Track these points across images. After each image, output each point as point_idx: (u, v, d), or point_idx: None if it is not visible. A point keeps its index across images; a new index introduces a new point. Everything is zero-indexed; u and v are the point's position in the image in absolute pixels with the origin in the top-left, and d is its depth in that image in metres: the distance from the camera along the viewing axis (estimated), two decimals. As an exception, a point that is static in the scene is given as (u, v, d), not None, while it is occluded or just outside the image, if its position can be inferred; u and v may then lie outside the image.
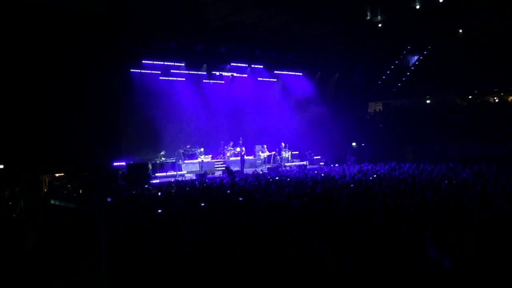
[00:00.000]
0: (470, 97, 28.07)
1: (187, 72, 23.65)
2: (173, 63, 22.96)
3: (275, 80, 27.64)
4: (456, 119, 24.18)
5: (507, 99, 26.21)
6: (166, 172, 20.19)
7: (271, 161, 24.36)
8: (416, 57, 31.08)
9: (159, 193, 12.96)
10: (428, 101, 28.97)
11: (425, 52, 30.52)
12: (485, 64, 24.98)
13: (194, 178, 18.95)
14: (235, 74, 25.51)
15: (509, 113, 23.06)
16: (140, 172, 18.08)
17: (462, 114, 24.96)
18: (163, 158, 21.12)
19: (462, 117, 24.46)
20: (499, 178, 12.93)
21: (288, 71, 27.76)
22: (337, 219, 8.30)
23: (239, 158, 22.95)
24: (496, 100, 27.21)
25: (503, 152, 19.79)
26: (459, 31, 28.62)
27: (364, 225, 7.66)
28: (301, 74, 28.48)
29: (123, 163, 19.38)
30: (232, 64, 25.00)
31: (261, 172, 20.34)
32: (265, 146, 24.71)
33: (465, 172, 15.14)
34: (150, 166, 19.71)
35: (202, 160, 21.97)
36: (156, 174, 19.73)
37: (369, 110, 31.42)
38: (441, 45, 29.13)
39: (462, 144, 21.59)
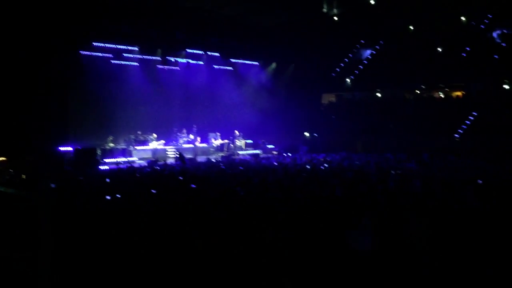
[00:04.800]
0: (418, 91, 29.17)
1: (141, 56, 23.04)
2: (126, 47, 22.29)
3: (231, 68, 27.48)
4: (404, 113, 25.12)
5: (452, 95, 27.50)
6: (116, 158, 19.65)
7: (225, 149, 24.29)
8: (369, 51, 31.86)
9: (107, 179, 12.59)
10: (378, 94, 29.84)
11: (377, 47, 31.35)
12: (433, 60, 26.00)
13: (145, 164, 18.57)
14: (190, 61, 25.14)
15: (453, 108, 24.23)
16: (88, 158, 17.52)
17: (409, 107, 25.95)
18: (111, 144, 20.57)
19: (409, 111, 25.42)
20: (443, 169, 13.58)
21: (244, 60, 27.69)
22: (288, 207, 8.40)
23: (192, 145, 22.73)
24: (442, 96, 28.46)
25: (446, 144, 20.77)
26: (410, 28, 29.59)
27: (314, 213, 7.80)
28: (257, 63, 28.50)
29: (70, 148, 18.69)
30: (187, 50, 24.61)
31: (214, 160, 20.25)
32: (218, 134, 24.61)
33: (411, 162, 15.76)
34: (99, 152, 19.13)
35: (155, 147, 21.61)
36: (105, 160, 19.17)
37: (322, 102, 31.96)
38: (393, 41, 30.02)
39: (409, 137, 22.43)
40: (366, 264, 5.51)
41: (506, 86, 24.41)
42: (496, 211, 7.55)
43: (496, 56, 24.03)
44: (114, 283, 5.46)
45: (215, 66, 26.36)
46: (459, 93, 27.15)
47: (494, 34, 26.00)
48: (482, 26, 26.50)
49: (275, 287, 5.16)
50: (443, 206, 8.03)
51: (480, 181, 10.61)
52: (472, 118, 22.52)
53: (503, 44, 24.72)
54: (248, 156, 23.09)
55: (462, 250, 5.90)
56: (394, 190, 9.83)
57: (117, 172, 15.07)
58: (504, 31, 25.45)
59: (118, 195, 9.69)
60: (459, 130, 22.16)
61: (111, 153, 19.98)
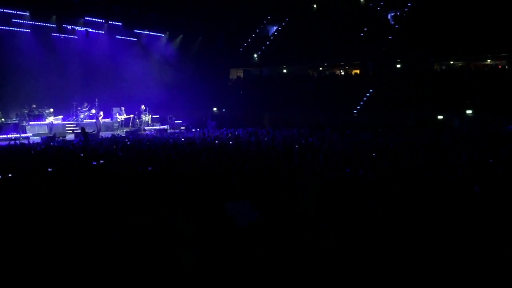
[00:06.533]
0: (320, 69, 30.46)
1: (33, 23, 21.08)
2: (15, 11, 20.24)
3: (135, 39, 26.27)
4: (307, 89, 26.10)
5: (351, 73, 29.16)
6: (6, 135, 17.98)
7: (130, 124, 23.40)
8: (275, 28, 32.38)
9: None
10: (284, 71, 30.61)
11: (283, 24, 31.96)
12: (334, 39, 27.20)
13: (40, 141, 17.24)
14: (90, 30, 23.52)
15: (352, 85, 25.71)
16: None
17: (312, 84, 27.03)
18: (1, 119, 18.82)
19: (311, 86, 26.46)
20: (342, 143, 14.43)
21: (149, 31, 26.59)
22: (198, 183, 8.38)
23: (94, 120, 21.55)
24: (342, 73, 30.06)
25: (346, 119, 22.03)
26: (313, 6, 30.55)
27: (223, 188, 7.87)
28: (163, 35, 27.56)
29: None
30: (86, 18, 22.97)
31: (118, 136, 19.44)
32: (123, 108, 23.60)
33: (312, 137, 16.49)
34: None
35: (52, 122, 20.14)
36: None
37: (231, 77, 32.01)
38: (298, 18, 30.82)
39: (312, 112, 23.41)
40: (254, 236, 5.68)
41: (399, 65, 26.49)
42: (385, 180, 8.24)
43: (390, 37, 25.80)
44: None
45: (118, 36, 24.99)
46: (357, 71, 28.84)
47: (389, 16, 27.90)
48: (378, 8, 28.23)
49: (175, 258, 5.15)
50: (339, 176, 8.57)
51: (374, 154, 11.48)
52: (368, 95, 24.10)
53: (396, 26, 26.62)
54: (154, 132, 22.51)
55: (351, 215, 6.35)
56: (297, 164, 10.27)
57: (9, 149, 13.81)
58: (397, 13, 27.39)
59: (9, 174, 8.94)
60: (357, 106, 23.62)
61: (1, 128, 18.30)
